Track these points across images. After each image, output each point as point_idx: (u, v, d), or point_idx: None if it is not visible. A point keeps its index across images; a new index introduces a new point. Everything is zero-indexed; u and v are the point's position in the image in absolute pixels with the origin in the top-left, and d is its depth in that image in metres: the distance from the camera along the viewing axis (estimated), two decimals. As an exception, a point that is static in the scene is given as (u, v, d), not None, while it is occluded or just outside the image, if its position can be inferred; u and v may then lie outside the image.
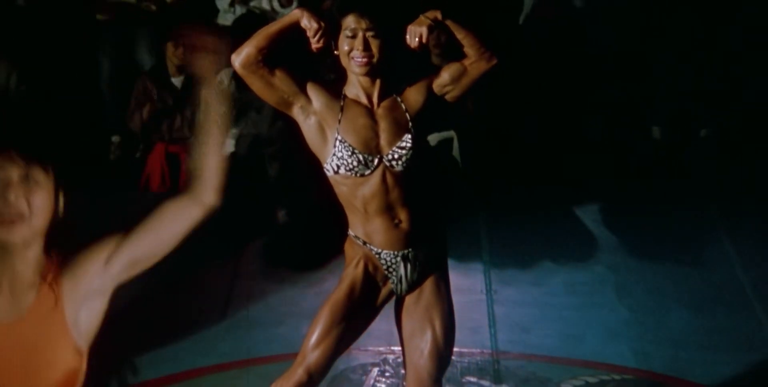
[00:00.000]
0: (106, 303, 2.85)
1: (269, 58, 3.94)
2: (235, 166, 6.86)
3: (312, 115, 3.98)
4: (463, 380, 5.24)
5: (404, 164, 4.01)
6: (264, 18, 7.32)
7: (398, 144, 4.01)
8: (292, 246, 6.18)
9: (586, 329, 5.66)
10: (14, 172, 2.69)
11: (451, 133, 6.77)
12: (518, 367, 5.33)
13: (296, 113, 3.99)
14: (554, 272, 6.28)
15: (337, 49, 3.99)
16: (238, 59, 3.90)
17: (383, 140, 4.02)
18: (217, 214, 5.84)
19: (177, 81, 7.31)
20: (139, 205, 5.84)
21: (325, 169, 4.01)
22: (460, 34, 4.05)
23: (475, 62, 4.03)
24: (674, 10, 7.23)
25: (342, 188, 4.03)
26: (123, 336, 5.08)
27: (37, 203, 2.71)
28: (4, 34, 6.62)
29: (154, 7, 7.54)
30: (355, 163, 3.99)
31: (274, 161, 6.85)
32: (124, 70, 7.53)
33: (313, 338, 4.11)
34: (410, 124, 4.02)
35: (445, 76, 4.03)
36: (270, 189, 6.80)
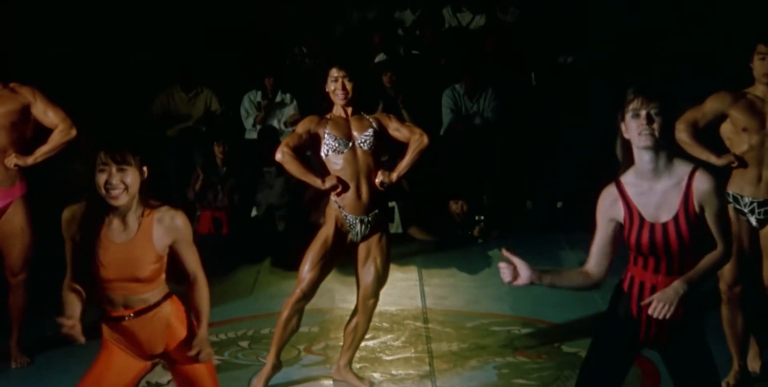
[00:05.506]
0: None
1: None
2: (256, 224, 8.70)
3: (317, 134, 5.08)
4: (405, 322, 6.57)
5: (369, 145, 5.02)
6: (275, 132, 9.19)
7: (364, 133, 5.08)
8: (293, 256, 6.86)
9: (481, 298, 7.13)
10: (113, 164, 3.38)
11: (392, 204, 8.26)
12: (438, 315, 6.69)
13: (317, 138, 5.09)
14: (463, 270, 7.92)
15: (327, 87, 5.08)
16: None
17: (355, 132, 5.08)
18: (249, 241, 8.05)
19: (222, 170, 9.02)
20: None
21: (322, 155, 5.05)
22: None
23: (411, 138, 5.11)
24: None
25: (330, 163, 5.05)
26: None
27: (129, 180, 3.40)
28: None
29: (204, 128, 9.39)
30: (336, 145, 5.01)
31: (281, 220, 8.46)
32: (184, 166, 9.33)
33: (304, 270, 5.17)
34: (372, 125, 5.12)
35: (393, 125, 5.15)
36: (278, 235, 8.45)
